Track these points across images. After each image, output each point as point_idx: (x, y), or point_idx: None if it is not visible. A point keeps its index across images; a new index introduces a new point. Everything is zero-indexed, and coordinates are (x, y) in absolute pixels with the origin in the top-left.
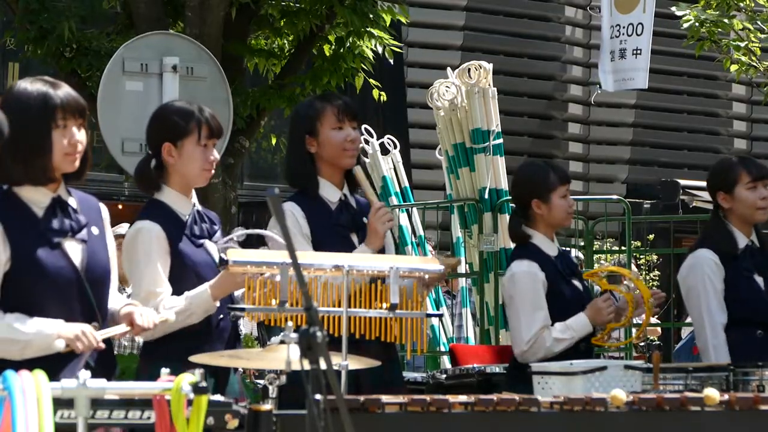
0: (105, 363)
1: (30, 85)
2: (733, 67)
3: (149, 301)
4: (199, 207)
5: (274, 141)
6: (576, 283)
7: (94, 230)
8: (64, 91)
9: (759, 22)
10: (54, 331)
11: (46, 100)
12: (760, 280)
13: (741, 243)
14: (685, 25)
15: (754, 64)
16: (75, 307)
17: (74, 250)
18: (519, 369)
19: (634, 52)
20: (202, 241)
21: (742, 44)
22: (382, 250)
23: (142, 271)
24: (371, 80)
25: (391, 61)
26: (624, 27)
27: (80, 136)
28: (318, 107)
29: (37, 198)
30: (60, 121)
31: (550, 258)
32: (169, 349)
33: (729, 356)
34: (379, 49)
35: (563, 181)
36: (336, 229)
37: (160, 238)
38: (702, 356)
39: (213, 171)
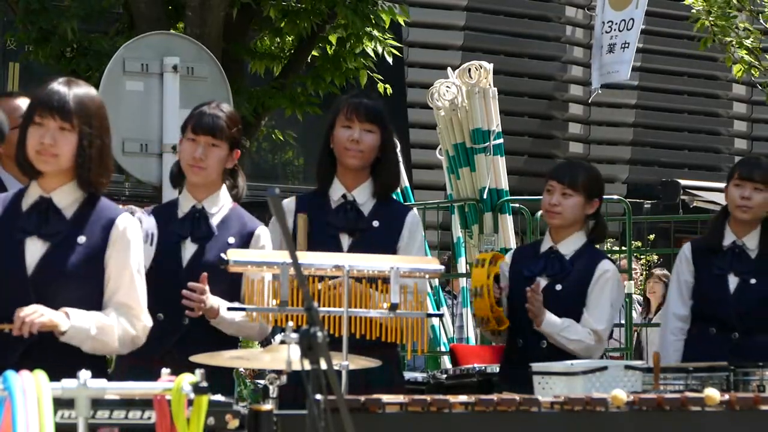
0: (97, 367)
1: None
2: (736, 67)
3: None
4: (207, 207)
5: (279, 135)
6: (543, 282)
7: (81, 239)
8: (54, 89)
9: (762, 21)
10: None
11: (34, 96)
12: (734, 280)
13: (727, 240)
14: (693, 10)
15: (755, 64)
16: (12, 304)
17: (34, 248)
18: (509, 367)
19: (623, 45)
20: (180, 239)
21: (748, 41)
22: (387, 249)
23: None
24: (375, 75)
25: (390, 60)
26: (616, 23)
27: (57, 137)
28: (338, 104)
29: (32, 194)
30: (37, 118)
31: (533, 255)
32: (138, 351)
33: (674, 349)
34: (379, 49)
35: (549, 176)
36: (324, 228)
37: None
38: None
39: (200, 167)
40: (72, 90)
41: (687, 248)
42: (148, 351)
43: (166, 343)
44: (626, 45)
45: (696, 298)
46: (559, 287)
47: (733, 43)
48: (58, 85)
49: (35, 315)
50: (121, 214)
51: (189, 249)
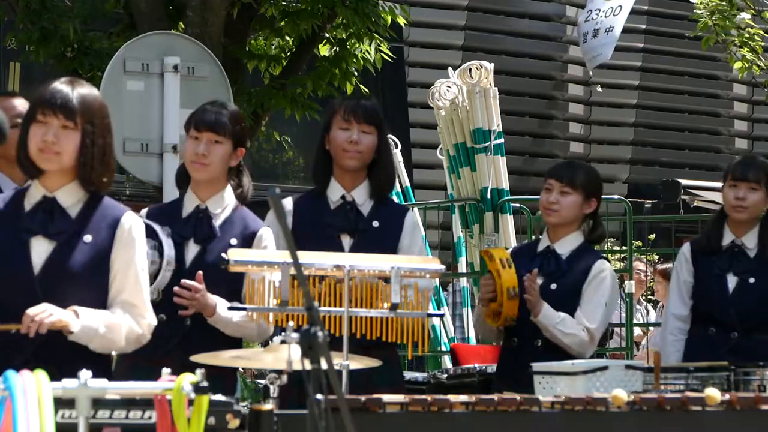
0: (102, 366)
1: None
2: (737, 65)
3: None
4: (212, 208)
5: (277, 137)
6: (539, 281)
7: (87, 238)
8: (57, 88)
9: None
10: None
11: (37, 95)
12: (733, 280)
13: (726, 240)
14: (697, 11)
15: (758, 62)
16: (19, 304)
17: (40, 248)
18: (504, 367)
19: (607, 30)
20: (183, 240)
21: (751, 37)
22: (387, 249)
23: None
24: (362, 87)
25: (380, 67)
26: (603, 11)
27: (60, 135)
28: (334, 106)
29: (34, 194)
30: (39, 116)
31: (530, 254)
32: (139, 350)
33: (674, 349)
34: (372, 56)
35: (547, 175)
36: (323, 229)
37: None
38: None
39: (203, 164)
40: (75, 89)
41: (686, 248)
42: (150, 351)
43: (169, 344)
44: (610, 29)
45: (695, 299)
46: (554, 286)
47: (735, 41)
48: (61, 85)
49: (45, 314)
50: (126, 213)
51: (192, 250)
